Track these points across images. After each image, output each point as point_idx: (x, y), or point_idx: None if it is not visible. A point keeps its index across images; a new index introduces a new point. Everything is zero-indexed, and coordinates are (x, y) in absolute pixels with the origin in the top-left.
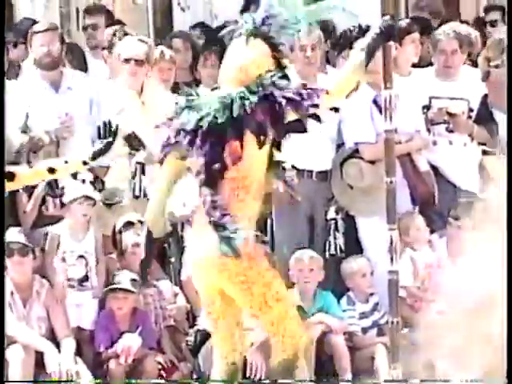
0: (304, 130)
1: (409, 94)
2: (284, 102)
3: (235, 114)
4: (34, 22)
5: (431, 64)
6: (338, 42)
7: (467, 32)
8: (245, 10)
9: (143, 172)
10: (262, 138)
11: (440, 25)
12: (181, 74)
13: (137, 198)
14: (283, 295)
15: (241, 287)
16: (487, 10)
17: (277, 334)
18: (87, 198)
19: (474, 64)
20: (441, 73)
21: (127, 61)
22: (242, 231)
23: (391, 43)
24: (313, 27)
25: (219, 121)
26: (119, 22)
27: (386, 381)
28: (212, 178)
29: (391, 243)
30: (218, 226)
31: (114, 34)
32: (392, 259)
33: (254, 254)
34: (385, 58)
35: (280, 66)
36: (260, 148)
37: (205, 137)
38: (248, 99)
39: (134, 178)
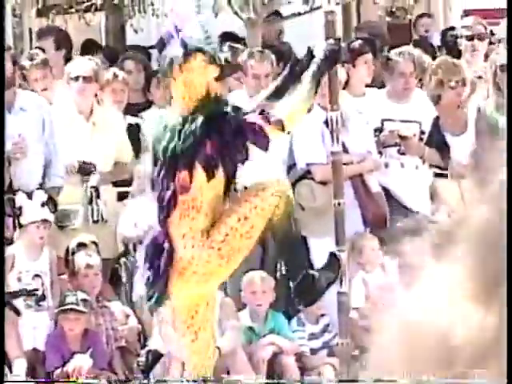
0: (247, 157)
1: (361, 114)
2: (231, 139)
3: (185, 145)
4: None
5: (383, 86)
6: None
7: (419, 55)
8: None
9: (98, 196)
10: (211, 172)
11: (390, 47)
12: (133, 96)
13: (96, 222)
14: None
15: None
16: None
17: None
18: (44, 221)
19: (424, 87)
20: (393, 95)
21: (76, 79)
22: None
23: (338, 65)
24: (266, 53)
25: (170, 150)
26: (70, 44)
27: (339, 381)
28: (163, 207)
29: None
30: None
31: (32, 59)
32: (341, 281)
33: None
34: (330, 80)
35: (224, 73)
36: (209, 180)
37: (160, 166)
38: (199, 127)
39: (90, 203)
